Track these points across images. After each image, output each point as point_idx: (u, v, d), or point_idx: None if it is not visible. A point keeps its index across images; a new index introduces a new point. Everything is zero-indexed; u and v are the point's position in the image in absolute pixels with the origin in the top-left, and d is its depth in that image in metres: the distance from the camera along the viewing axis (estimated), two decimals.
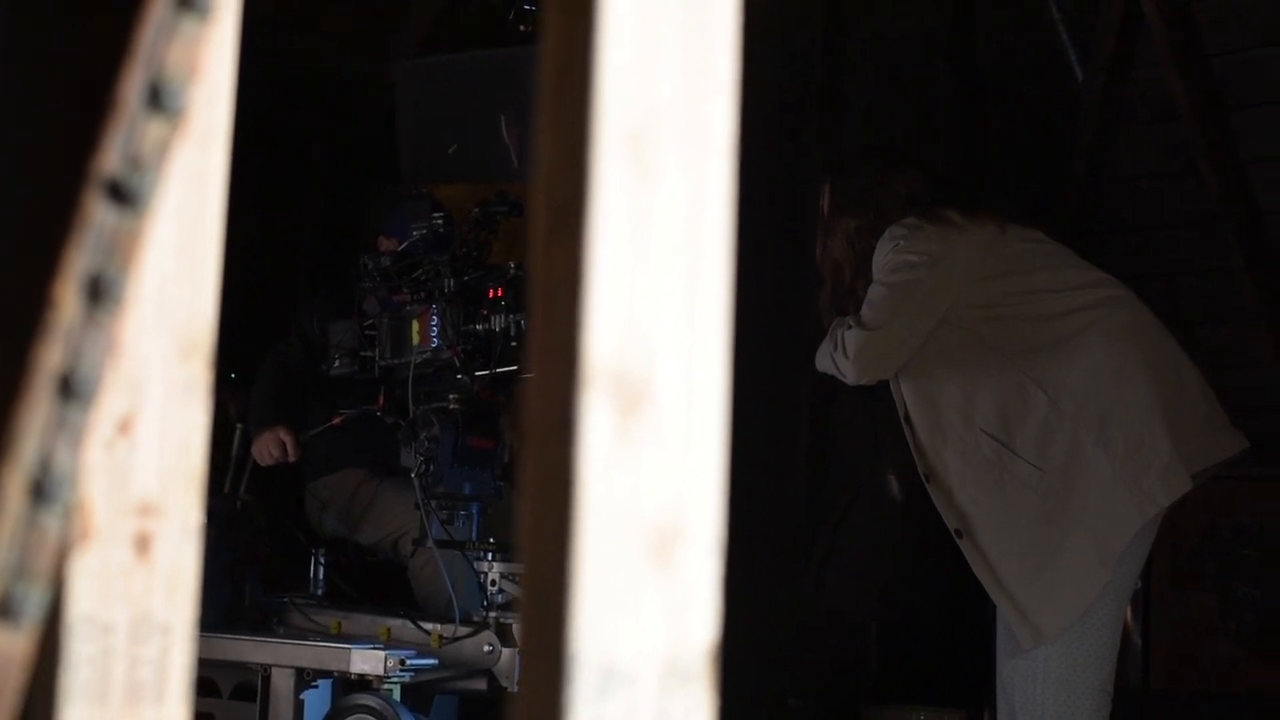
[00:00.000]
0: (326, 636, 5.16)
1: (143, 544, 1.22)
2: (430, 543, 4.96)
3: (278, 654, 4.99)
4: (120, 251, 1.18)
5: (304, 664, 4.94)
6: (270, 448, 5.58)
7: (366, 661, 4.81)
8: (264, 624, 5.35)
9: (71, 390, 1.17)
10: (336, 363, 5.31)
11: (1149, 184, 6.22)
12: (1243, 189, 5.87)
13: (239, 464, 5.72)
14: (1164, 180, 6.16)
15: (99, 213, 1.18)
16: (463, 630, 4.91)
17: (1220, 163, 5.88)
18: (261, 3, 6.49)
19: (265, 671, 4.99)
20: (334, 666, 4.90)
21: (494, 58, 6.69)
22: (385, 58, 7.19)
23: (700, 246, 1.18)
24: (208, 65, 1.22)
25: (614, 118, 1.14)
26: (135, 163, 1.18)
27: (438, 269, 5.04)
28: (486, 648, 4.88)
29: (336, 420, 5.41)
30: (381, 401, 5.21)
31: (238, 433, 5.74)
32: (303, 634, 5.22)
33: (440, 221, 5.23)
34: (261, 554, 5.54)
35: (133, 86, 1.18)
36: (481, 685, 4.97)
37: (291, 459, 5.60)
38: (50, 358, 1.17)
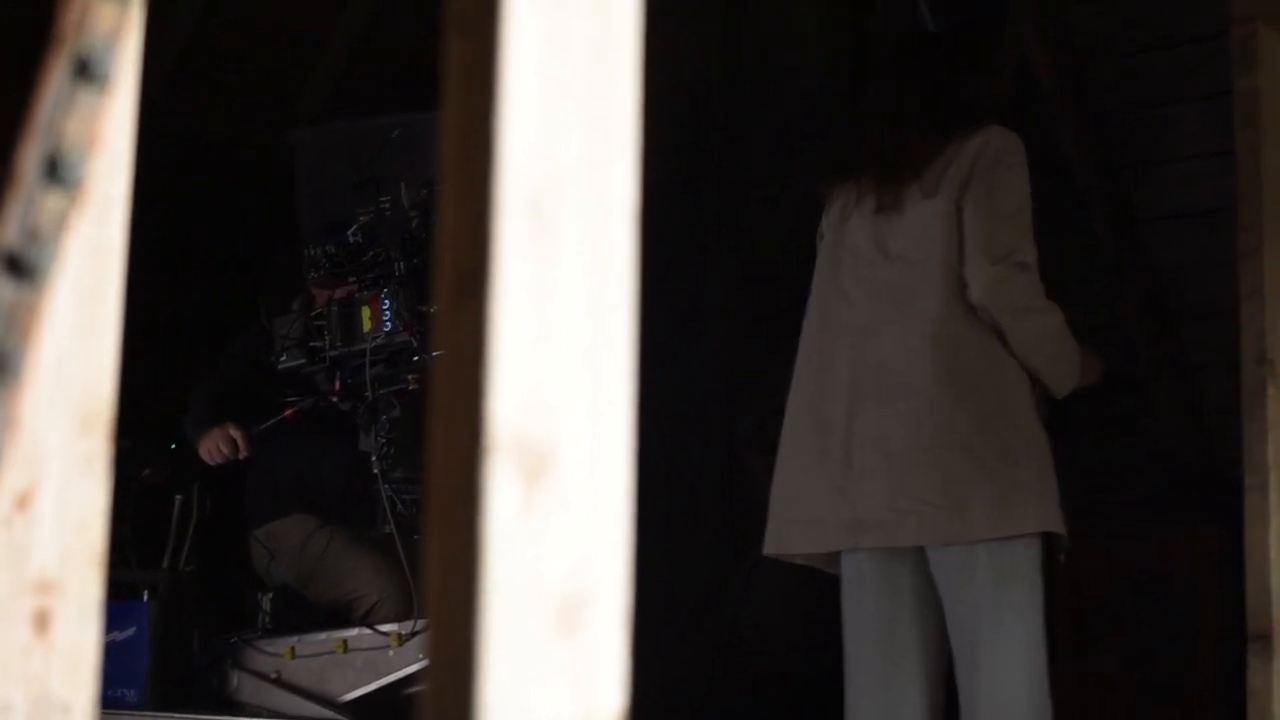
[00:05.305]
0: (281, 692, 4.98)
1: (41, 622, 1.20)
2: (390, 526, 4.84)
3: None
4: (18, 325, 1.17)
5: None
6: (219, 444, 5.33)
7: None
8: (216, 668, 5.17)
9: None
10: (284, 356, 5.13)
11: (1047, 241, 6.28)
12: (1137, 248, 5.93)
13: (179, 535, 5.54)
14: (1060, 238, 6.22)
15: None
16: (422, 624, 4.77)
17: (1115, 221, 5.94)
18: (155, 71, 6.45)
19: None
20: None
21: (394, 124, 6.67)
22: (285, 124, 7.17)
23: (603, 311, 1.18)
24: (106, 136, 1.21)
25: (516, 185, 1.15)
26: (33, 235, 1.17)
27: (388, 253, 4.94)
28: None
29: (289, 412, 5.24)
30: (337, 388, 5.04)
31: (176, 504, 5.56)
32: (258, 680, 5.04)
33: (386, 206, 5.11)
34: (207, 627, 5.38)
35: (31, 159, 1.17)
36: None
37: (243, 455, 5.35)
38: None
